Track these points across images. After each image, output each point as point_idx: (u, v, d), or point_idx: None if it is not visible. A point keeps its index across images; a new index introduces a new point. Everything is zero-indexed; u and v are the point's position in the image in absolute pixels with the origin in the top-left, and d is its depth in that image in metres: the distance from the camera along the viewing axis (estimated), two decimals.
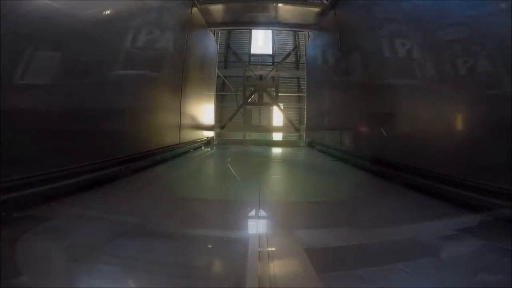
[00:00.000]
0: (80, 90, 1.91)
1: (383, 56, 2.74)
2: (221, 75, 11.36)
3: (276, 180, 2.77)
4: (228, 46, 6.96)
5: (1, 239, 1.05)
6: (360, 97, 3.30)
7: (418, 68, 2.26)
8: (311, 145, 5.97)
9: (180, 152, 3.90)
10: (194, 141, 4.92)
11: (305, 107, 6.34)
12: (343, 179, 2.72)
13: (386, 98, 2.69)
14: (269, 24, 6.33)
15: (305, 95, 14.42)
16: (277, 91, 6.41)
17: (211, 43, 5.90)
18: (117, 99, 2.33)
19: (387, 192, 2.17)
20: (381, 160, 2.62)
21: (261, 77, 6.39)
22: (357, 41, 3.47)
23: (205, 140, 5.71)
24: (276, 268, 0.92)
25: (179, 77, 3.78)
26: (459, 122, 1.92)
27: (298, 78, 14.30)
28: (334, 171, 3.17)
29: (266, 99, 6.41)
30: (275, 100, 6.31)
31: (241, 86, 6.58)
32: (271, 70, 6.51)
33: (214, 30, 6.57)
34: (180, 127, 3.81)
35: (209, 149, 5.57)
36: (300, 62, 14.75)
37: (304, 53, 6.75)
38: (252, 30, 15.06)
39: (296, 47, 7.12)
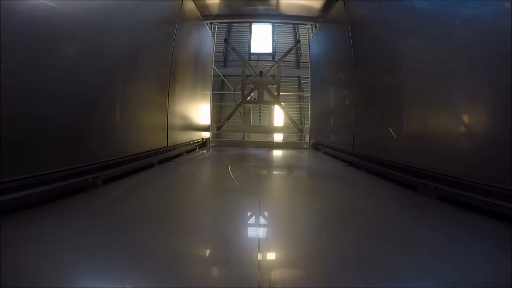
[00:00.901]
0: (27, 80, 1.43)
1: (407, 49, 2.27)
2: (220, 74, 10.92)
3: (281, 195, 2.23)
4: (225, 41, 6.47)
5: None
6: (379, 95, 2.81)
7: (451, 62, 1.77)
8: (316, 147, 5.48)
9: (168, 156, 3.41)
10: (187, 143, 4.44)
11: (309, 106, 5.85)
12: (364, 191, 2.23)
13: (414, 96, 2.20)
14: (270, 17, 5.86)
15: (306, 94, 13.96)
16: (278, 89, 5.92)
17: (206, 37, 5.42)
18: (80, 92, 1.84)
19: (426, 211, 1.67)
20: (409, 168, 2.14)
21: (261, 73, 5.90)
22: (373, 34, 2.99)
23: (200, 141, 5.22)
24: None
25: (166, 73, 3.29)
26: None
27: (299, 77, 13.90)
28: (351, 180, 2.67)
29: (266, 97, 5.92)
30: (277, 98, 5.82)
31: (240, 83, 6.09)
32: (271, 66, 6.03)
33: (211, 25, 6.08)
34: (167, 128, 3.33)
35: (204, 151, 5.08)
36: (301, 61, 14.40)
37: (308, 50, 6.26)
38: (252, 28, 14.68)
39: (298, 42, 6.64)
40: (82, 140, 1.88)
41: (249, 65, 6.12)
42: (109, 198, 1.79)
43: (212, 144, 5.77)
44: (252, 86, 5.94)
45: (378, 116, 2.81)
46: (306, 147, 5.79)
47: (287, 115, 5.83)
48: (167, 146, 3.33)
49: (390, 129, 2.55)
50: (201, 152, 4.82)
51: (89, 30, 1.87)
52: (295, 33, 12.46)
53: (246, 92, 5.93)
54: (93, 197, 1.74)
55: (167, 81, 3.30)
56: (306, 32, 6.80)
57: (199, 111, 5.07)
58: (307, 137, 6.01)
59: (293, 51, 14.00)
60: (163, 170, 2.86)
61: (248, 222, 1.49)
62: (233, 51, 6.55)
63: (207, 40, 5.45)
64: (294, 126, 5.66)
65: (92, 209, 1.54)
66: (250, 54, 10.67)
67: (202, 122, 5.29)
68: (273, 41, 12.71)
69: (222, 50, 13.44)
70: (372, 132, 2.95)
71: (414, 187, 2.02)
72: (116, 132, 2.33)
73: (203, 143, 5.44)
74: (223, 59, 13.82)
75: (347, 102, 3.70)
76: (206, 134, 5.52)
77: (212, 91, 12.31)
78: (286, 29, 14.63)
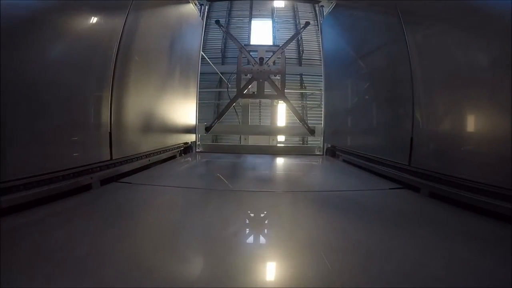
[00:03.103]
0: None
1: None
2: (218, 71, 9.75)
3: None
4: (217, 22, 5.22)
5: None
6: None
7: None
8: (332, 153, 4.23)
9: (116, 173, 2.17)
10: (160, 150, 3.19)
11: (323, 101, 4.59)
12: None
13: None
14: None
15: (308, 92, 12.92)
16: (283, 80, 4.67)
17: (190, 17, 4.15)
18: None
19: None
20: None
21: (261, 60, 4.65)
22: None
23: (181, 146, 3.97)
24: None
25: (108, 55, 2.04)
26: None
27: (301, 74, 12.87)
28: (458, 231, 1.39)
29: (268, 90, 4.67)
30: (281, 92, 4.57)
31: (235, 73, 4.84)
32: (275, 53, 4.78)
33: (202, 7, 4.80)
34: (110, 132, 2.06)
35: (189, 158, 3.83)
36: (303, 58, 13.37)
37: (320, 39, 5.05)
38: (252, 23, 13.56)
39: (308, 24, 5.39)
40: None
41: (246, 50, 4.87)
42: None
43: (199, 150, 4.51)
44: (250, 76, 4.69)
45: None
46: (318, 152, 4.54)
47: (295, 112, 4.57)
48: (111, 159, 2.07)
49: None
50: (180, 161, 3.56)
51: None
52: (297, 28, 11.67)
53: (242, 84, 4.68)
54: None
55: (110, 66, 2.05)
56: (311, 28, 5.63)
57: (179, 108, 3.82)
58: (311, 140, 4.78)
59: (294, 48, 12.91)
60: (107, 195, 1.63)
61: None
62: (227, 35, 5.29)
63: (191, 20, 4.19)
64: (304, 126, 4.41)
65: None
66: (249, 52, 9.83)
67: (184, 122, 4.03)
68: (274, 38, 12.02)
69: (220, 47, 12.47)
70: (459, 136, 1.71)
71: None
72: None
73: (186, 148, 4.19)
74: (221, 56, 12.84)
75: (392, 92, 2.44)
76: (190, 137, 4.27)
77: (209, 88, 11.26)
78: (287, 25, 13.64)
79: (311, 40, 13.31)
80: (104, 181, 2.06)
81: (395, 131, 2.34)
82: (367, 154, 2.96)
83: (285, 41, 4.98)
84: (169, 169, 2.92)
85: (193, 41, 4.41)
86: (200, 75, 4.79)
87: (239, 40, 4.97)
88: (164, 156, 3.37)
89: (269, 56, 4.73)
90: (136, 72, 2.51)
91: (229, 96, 5.16)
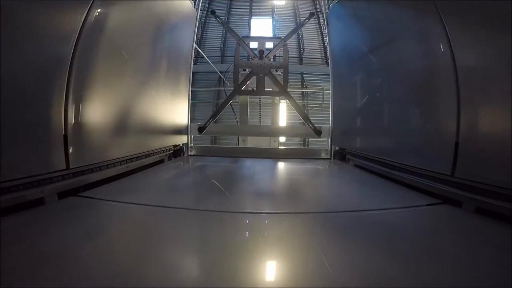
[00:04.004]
0: None
1: None
2: (217, 70, 9.44)
3: None
4: (212, 13, 4.75)
5: None
6: None
7: None
8: (341, 156, 3.76)
9: (79, 184, 1.70)
10: (143, 155, 2.73)
11: (330, 98, 4.12)
12: None
13: None
14: None
15: (310, 91, 12.55)
16: (286, 75, 4.20)
17: (181, 7, 3.66)
18: None
19: None
20: None
21: (261, 53, 4.18)
22: None
23: (170, 149, 3.50)
24: None
25: (66, 41, 1.57)
26: None
27: (301, 73, 12.67)
28: None
29: (269, 86, 4.20)
30: (284, 88, 4.10)
31: (231, 68, 4.38)
32: (277, 45, 4.31)
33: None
34: (66, 135, 1.57)
35: (179, 163, 3.37)
36: (303, 56, 13.06)
37: (327, 31, 4.57)
38: (252, 21, 13.22)
39: (313, 15, 4.92)
40: None
41: (245, 43, 4.41)
42: None
43: (192, 153, 4.04)
44: (249, 71, 4.22)
45: None
46: (325, 156, 4.07)
47: (300, 111, 4.09)
48: (67, 168, 1.59)
49: None
50: (166, 167, 3.08)
51: None
52: (298, 33, 11.55)
53: (241, 80, 4.21)
54: None
55: (66, 49, 1.57)
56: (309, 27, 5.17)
57: (166, 106, 3.35)
58: (313, 141, 4.33)
59: (295, 47, 12.53)
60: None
61: None
62: (223, 26, 4.83)
63: (182, 9, 3.71)
64: (309, 126, 3.93)
65: None
66: (248, 44, 9.55)
67: (174, 122, 3.56)
68: (274, 36, 11.86)
69: (219, 46, 12.26)
70: None
71: None
72: None
73: (177, 151, 3.71)
74: (220, 55, 12.60)
75: (426, 86, 1.96)
76: (181, 139, 3.80)
77: (209, 87, 10.87)
78: (288, 24, 13.42)
79: (311, 38, 12.96)
80: (64, 194, 1.59)
81: (431, 134, 1.86)
82: (387, 159, 2.49)
83: (283, 34, 4.51)
84: (151, 178, 2.44)
85: (185, 32, 3.93)
86: (199, 74, 4.34)
87: (238, 35, 4.49)
88: (148, 160, 2.90)
89: (270, 50, 4.27)
90: (107, 63, 2.04)
91: (225, 94, 4.69)
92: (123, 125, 2.36)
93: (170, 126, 3.43)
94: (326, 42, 12.77)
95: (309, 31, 12.71)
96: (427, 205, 1.62)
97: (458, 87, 1.59)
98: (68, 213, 1.38)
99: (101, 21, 1.87)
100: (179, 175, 2.82)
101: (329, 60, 4.38)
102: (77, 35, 1.62)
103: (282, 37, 4.44)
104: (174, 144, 3.55)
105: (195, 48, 4.60)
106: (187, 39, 4.06)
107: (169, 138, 3.43)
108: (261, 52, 4.20)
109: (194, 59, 4.47)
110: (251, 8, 13.19)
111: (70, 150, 1.59)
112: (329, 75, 4.25)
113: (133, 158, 2.58)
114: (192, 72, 4.22)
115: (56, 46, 1.52)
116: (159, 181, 2.40)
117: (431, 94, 1.89)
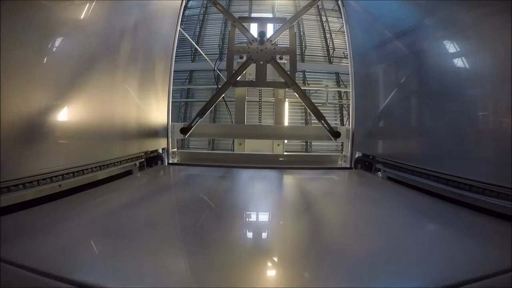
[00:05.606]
0: None
1: None
2: (215, 68, 9.06)
3: None
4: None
5: None
6: None
7: None
8: (365, 164, 2.90)
9: None
10: (91, 167, 1.87)
11: (351, 96, 3.24)
12: None
13: None
14: None
15: (312, 89, 11.87)
16: (294, 63, 3.34)
17: None
18: None
19: None
20: None
21: (262, 35, 3.32)
22: None
23: (141, 157, 2.62)
24: None
25: None
26: None
27: (303, 71, 12.06)
28: None
29: (271, 76, 3.33)
30: (291, 78, 3.24)
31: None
32: (281, 28, 3.46)
33: None
34: None
35: (153, 176, 2.49)
36: (305, 54, 12.53)
37: (343, 14, 3.71)
38: (250, 24, 12.66)
39: None
40: None
41: (241, 24, 3.55)
42: None
43: (174, 160, 3.15)
44: (246, 57, 3.36)
45: None
46: (343, 163, 3.20)
47: (313, 107, 3.21)
48: None
49: None
50: (130, 183, 2.19)
51: None
52: (299, 26, 11.21)
53: (236, 68, 3.34)
54: None
55: None
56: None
57: (133, 102, 2.47)
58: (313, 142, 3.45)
59: (297, 44, 11.79)
60: None
61: None
62: (215, 5, 3.95)
63: None
64: (325, 126, 3.06)
65: None
66: (246, 27, 9.03)
67: (146, 122, 2.68)
68: (276, 17, 10.75)
69: (218, 43, 11.78)
70: None
71: None
72: None
73: (153, 159, 2.84)
74: (219, 52, 12.26)
75: None
76: (157, 143, 2.92)
77: (207, 85, 10.12)
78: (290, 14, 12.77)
79: (313, 36, 12.27)
80: None
81: None
82: (446, 173, 1.65)
83: (287, 37, 3.63)
84: (93, 205, 1.55)
85: (163, 16, 3.06)
86: (197, 72, 3.48)
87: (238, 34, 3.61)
88: (103, 175, 2.03)
89: (273, 34, 3.41)
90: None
91: (216, 81, 3.81)
92: (51, 127, 1.50)
93: (140, 127, 2.56)
94: (328, 39, 12.12)
95: (311, 29, 12.14)
96: None
97: None
98: None
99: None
100: (144, 196, 1.91)
101: (348, 52, 3.47)
102: None
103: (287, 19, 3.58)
104: (147, 150, 2.67)
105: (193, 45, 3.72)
106: (167, 26, 3.18)
107: (140, 142, 2.55)
108: (262, 34, 3.34)
109: (191, 57, 3.63)
110: (250, 7, 12.52)
111: None
112: (332, 73, 3.44)
113: (73, 172, 1.72)
114: (190, 70, 3.40)
115: None
116: (105, 209, 1.51)
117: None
